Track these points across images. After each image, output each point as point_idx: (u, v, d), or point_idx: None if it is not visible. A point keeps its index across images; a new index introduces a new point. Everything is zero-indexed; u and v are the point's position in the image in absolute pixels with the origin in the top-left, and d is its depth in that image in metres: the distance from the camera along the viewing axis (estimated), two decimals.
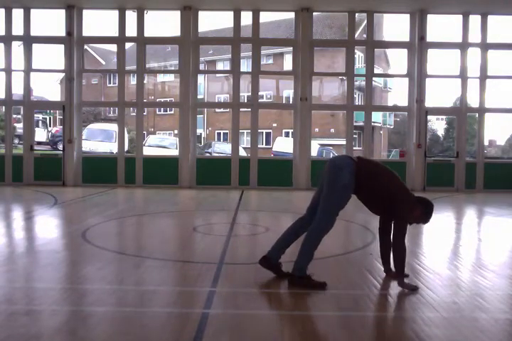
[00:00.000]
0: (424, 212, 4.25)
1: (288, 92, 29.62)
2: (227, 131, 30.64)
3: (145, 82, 20.82)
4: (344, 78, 16.69)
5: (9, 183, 13.20)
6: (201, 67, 27.42)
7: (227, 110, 22.20)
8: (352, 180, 4.15)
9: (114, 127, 19.23)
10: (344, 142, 14.41)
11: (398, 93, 34.40)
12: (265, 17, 15.33)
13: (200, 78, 27.40)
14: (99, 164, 13.81)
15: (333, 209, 4.25)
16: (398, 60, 41.23)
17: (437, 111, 15.75)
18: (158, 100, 32.85)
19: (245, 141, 21.89)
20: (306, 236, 4.28)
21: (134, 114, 14.27)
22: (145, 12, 13.45)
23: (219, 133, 34.99)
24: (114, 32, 13.93)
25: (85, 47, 16.72)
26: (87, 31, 13.77)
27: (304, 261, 4.21)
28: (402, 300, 3.94)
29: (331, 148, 27.17)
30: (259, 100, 14.90)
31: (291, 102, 18.25)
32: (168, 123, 33.74)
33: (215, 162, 14.94)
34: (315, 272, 4.69)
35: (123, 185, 13.32)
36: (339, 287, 4.22)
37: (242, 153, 17.25)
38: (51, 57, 16.04)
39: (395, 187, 4.20)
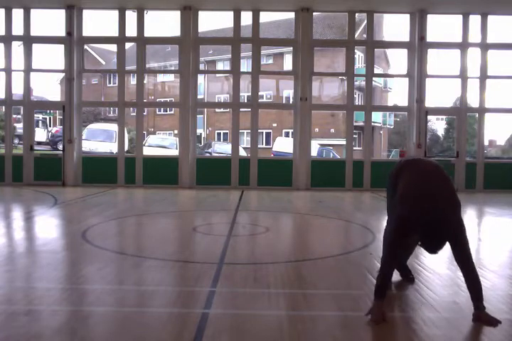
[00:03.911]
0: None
1: (288, 92, 29.62)
2: (227, 131, 30.66)
3: (145, 82, 20.82)
4: (344, 78, 16.69)
5: (9, 183, 13.19)
6: (201, 67, 27.42)
7: (227, 110, 22.22)
8: (389, 186, 4.01)
9: (114, 127, 19.24)
10: (344, 142, 14.42)
11: (398, 93, 34.49)
12: (265, 17, 15.34)
13: (200, 78, 27.42)
14: (99, 164, 13.81)
15: (389, 218, 4.08)
16: (398, 60, 41.29)
17: (437, 111, 15.75)
18: (158, 100, 32.86)
19: (245, 141, 21.91)
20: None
21: (134, 114, 14.27)
22: (145, 12, 13.45)
23: (219, 133, 35.00)
24: (114, 32, 13.92)
25: (85, 47, 16.70)
26: (87, 31, 13.78)
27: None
28: (402, 300, 3.94)
29: (331, 148, 27.16)
30: (259, 100, 14.90)
31: (291, 102, 18.26)
32: (168, 124, 33.75)
33: (215, 162, 14.94)
34: (315, 272, 4.71)
35: (123, 185, 13.31)
36: (339, 287, 4.21)
37: (242, 153, 17.25)
38: (51, 57, 16.08)
39: (400, 198, 3.62)
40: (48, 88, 41.85)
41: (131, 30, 13.46)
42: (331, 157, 24.79)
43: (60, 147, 14.83)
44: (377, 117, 31.20)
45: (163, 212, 9.08)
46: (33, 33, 13.48)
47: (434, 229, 3.33)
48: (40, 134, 23.06)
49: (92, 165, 13.57)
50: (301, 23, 13.33)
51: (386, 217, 4.26)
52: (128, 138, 19.44)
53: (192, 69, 13.45)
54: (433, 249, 3.42)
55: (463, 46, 13.57)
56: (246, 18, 13.39)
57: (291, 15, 13.68)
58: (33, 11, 13.39)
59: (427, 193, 3.46)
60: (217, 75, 33.91)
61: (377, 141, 33.59)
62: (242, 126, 13.92)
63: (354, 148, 14.85)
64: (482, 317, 3.34)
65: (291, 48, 13.90)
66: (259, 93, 14.46)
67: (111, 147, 19.47)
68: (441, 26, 15.48)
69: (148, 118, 31.41)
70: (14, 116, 15.40)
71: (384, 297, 3.42)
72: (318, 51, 16.58)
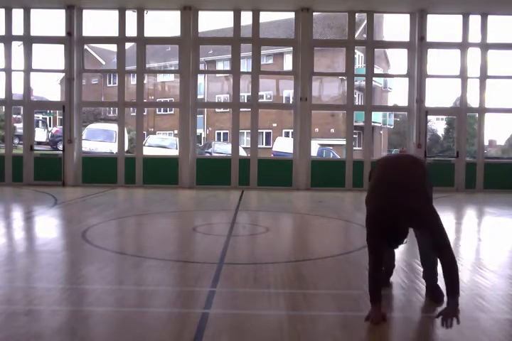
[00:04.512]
0: None
1: (288, 92, 29.62)
2: (227, 131, 30.66)
3: (145, 82, 20.82)
4: (344, 78, 16.69)
5: (9, 183, 13.19)
6: (201, 67, 27.43)
7: (227, 110, 22.21)
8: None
9: (114, 127, 19.24)
10: (344, 142, 14.42)
11: (398, 93, 34.49)
12: (265, 17, 15.34)
13: (200, 78, 27.42)
14: (99, 164, 13.81)
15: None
16: (398, 60, 41.32)
17: (437, 111, 15.75)
18: (158, 100, 32.87)
19: (245, 141, 21.91)
20: None
21: (134, 114, 14.28)
22: (145, 12, 13.46)
23: (219, 133, 35.01)
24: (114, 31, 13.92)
25: (85, 47, 16.69)
26: (87, 31, 13.77)
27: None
28: (402, 300, 3.93)
29: (331, 148, 27.16)
30: (259, 100, 14.89)
31: (291, 102, 18.26)
32: (168, 123, 33.76)
33: (215, 162, 14.93)
34: (315, 272, 4.71)
35: (123, 185, 13.31)
36: (339, 287, 4.21)
37: (242, 153, 17.25)
38: (51, 57, 16.08)
39: (368, 197, 3.59)
40: (48, 88, 41.98)
41: (131, 30, 13.48)
42: (331, 157, 24.79)
43: (60, 147, 14.83)
44: (377, 117, 31.20)
45: (163, 212, 9.08)
46: (33, 33, 13.48)
47: (398, 222, 3.25)
48: (40, 134, 23.07)
49: (92, 165, 13.57)
50: (301, 23, 13.33)
51: None
52: (128, 138, 19.45)
53: (192, 69, 13.45)
54: (394, 243, 3.35)
55: (463, 46, 13.57)
56: (246, 18, 13.40)
57: (291, 15, 13.68)
58: (33, 11, 13.39)
59: (385, 190, 3.42)
60: (217, 75, 33.91)
61: (377, 141, 33.59)
62: (242, 126, 13.92)
63: (354, 148, 14.85)
64: (446, 314, 3.06)
65: (291, 48, 13.89)
66: (259, 93, 14.46)
67: (111, 147, 19.48)
68: (441, 26, 15.50)
69: (148, 118, 31.42)
70: (14, 116, 15.40)
71: (380, 300, 3.32)
72: (318, 51, 16.59)
